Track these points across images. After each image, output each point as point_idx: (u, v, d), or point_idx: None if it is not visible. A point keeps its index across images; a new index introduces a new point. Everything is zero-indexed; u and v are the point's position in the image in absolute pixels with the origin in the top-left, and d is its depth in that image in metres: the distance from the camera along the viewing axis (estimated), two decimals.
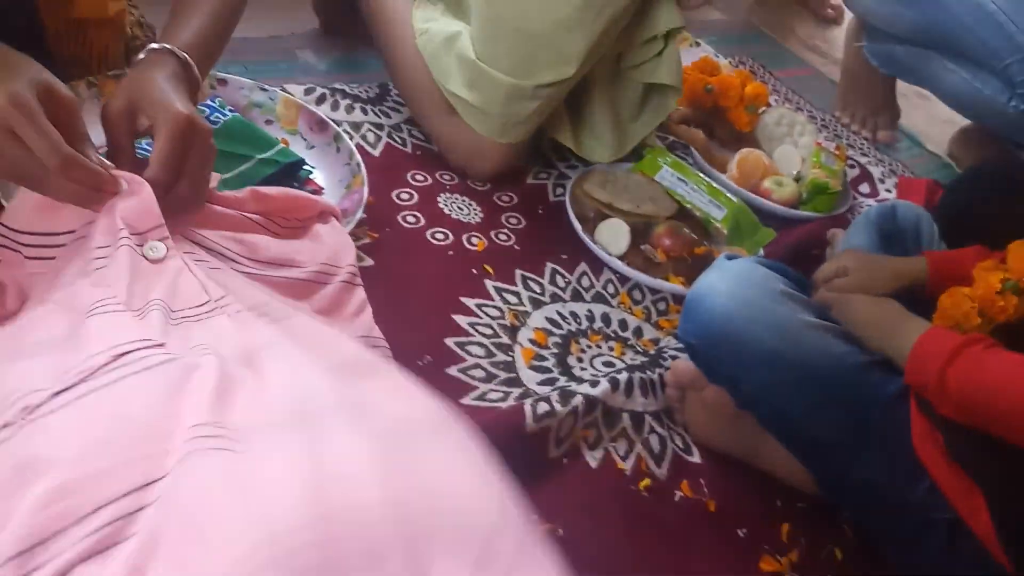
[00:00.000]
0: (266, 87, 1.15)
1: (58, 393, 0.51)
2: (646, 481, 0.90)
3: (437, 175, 1.21)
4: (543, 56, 1.14)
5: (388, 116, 1.29)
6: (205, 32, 0.83)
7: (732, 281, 0.85)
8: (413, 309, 0.99)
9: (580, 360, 0.99)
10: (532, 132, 1.21)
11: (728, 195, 1.24)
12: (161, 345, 0.56)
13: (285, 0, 1.45)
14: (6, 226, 0.73)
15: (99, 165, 0.69)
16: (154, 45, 0.78)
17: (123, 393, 0.51)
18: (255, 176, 1.02)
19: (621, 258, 1.12)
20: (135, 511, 0.47)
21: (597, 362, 1.00)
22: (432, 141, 1.24)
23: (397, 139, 1.25)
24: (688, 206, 1.21)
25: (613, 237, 1.13)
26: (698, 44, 1.77)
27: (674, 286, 1.10)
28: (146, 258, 0.67)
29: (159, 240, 0.68)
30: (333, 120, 1.15)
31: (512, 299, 1.04)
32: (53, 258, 0.70)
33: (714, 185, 1.25)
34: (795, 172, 1.42)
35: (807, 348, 0.84)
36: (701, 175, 1.27)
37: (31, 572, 0.45)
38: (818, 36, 2.16)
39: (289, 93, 1.20)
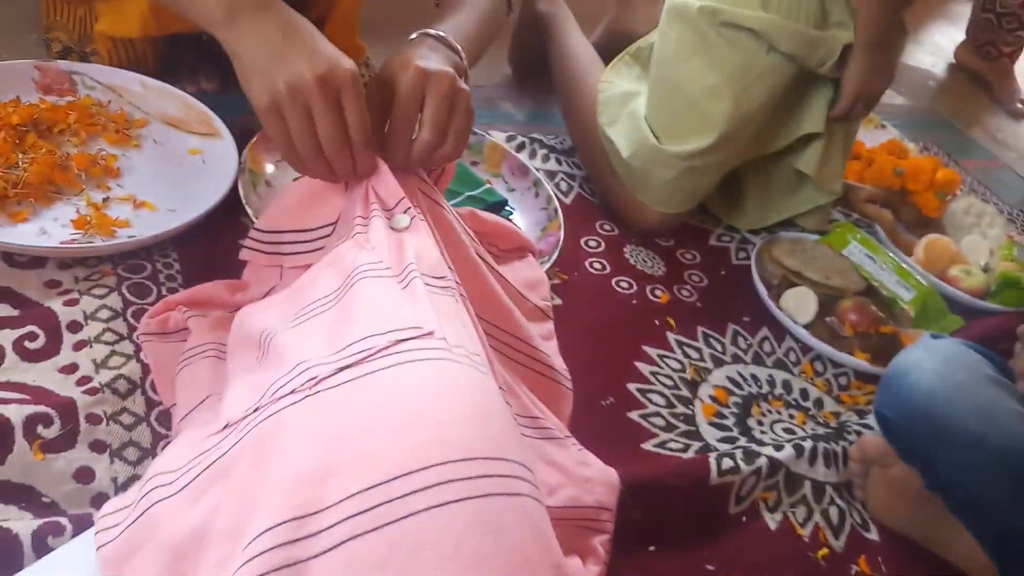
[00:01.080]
0: (476, 131, 1.22)
1: (342, 369, 0.55)
2: (824, 551, 0.88)
3: (623, 228, 1.24)
4: (690, 121, 1.17)
5: (579, 168, 1.33)
6: (470, 33, 0.88)
7: (939, 360, 0.84)
8: (598, 351, 1.02)
9: (760, 423, 0.99)
10: (682, 206, 1.23)
11: (917, 278, 1.21)
12: (431, 334, 0.59)
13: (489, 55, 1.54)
14: (261, 230, 0.81)
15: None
16: (428, 31, 0.82)
17: (402, 379, 0.55)
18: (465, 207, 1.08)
19: (806, 327, 1.11)
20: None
21: (778, 427, 0.99)
22: (606, 202, 1.28)
23: (587, 190, 1.30)
24: (876, 284, 1.19)
25: (800, 306, 1.13)
26: (883, 127, 1.76)
27: (859, 361, 1.09)
28: (394, 229, 0.72)
29: (403, 212, 0.73)
30: (531, 165, 1.21)
31: (693, 354, 1.06)
32: (314, 251, 0.77)
33: (902, 266, 1.23)
34: (983, 263, 1.38)
35: (1013, 435, 0.81)
36: (890, 254, 1.25)
37: (305, 539, 0.49)
38: (1006, 129, 2.10)
39: (493, 137, 1.26)
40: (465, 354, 0.60)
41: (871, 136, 1.70)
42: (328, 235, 0.79)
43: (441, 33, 0.83)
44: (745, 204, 1.31)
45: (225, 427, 0.57)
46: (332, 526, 0.49)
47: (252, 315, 0.69)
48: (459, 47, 0.83)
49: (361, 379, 0.54)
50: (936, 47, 2.54)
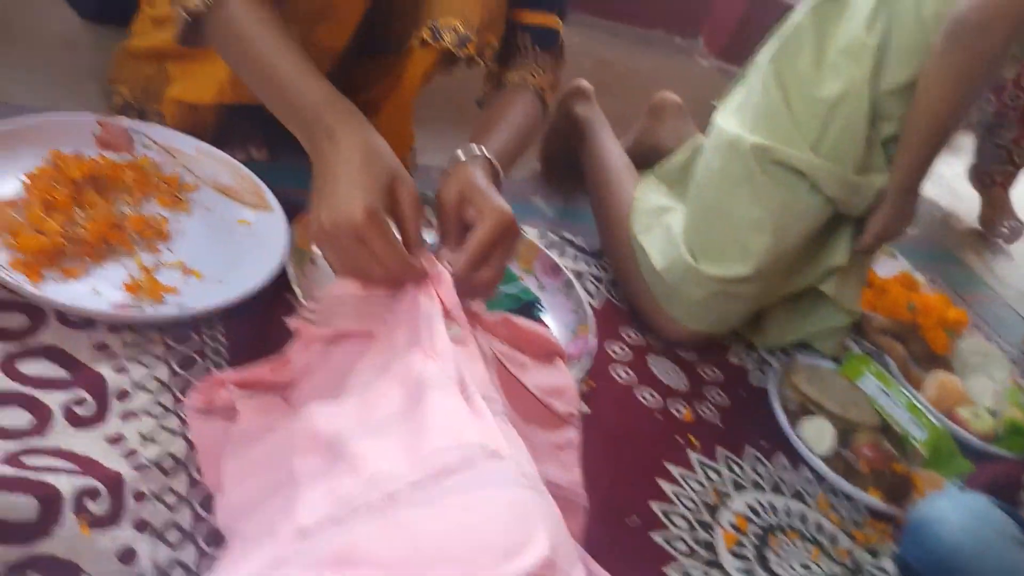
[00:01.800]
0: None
1: (415, 485, 0.56)
2: None
3: (647, 336, 1.26)
4: (730, 247, 1.20)
5: (607, 271, 1.36)
6: (508, 145, 0.95)
7: (967, 515, 0.86)
8: (623, 465, 1.02)
9: (778, 556, 1.00)
10: (710, 327, 1.25)
11: (929, 417, 1.24)
12: (498, 454, 0.60)
13: None
14: (316, 301, 0.82)
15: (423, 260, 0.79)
16: (473, 148, 0.89)
17: (473, 506, 0.56)
18: (497, 307, 1.10)
19: (823, 459, 1.13)
20: None
21: (795, 561, 1.00)
22: (635, 309, 1.30)
23: (614, 294, 1.32)
24: (889, 419, 1.21)
25: (818, 436, 1.15)
26: (894, 256, 1.80)
27: (873, 500, 1.10)
28: (452, 339, 0.74)
29: (455, 322, 0.76)
30: (562, 264, 1.23)
31: (715, 476, 1.06)
32: (367, 316, 0.79)
33: (915, 403, 1.25)
34: (990, 405, 1.41)
35: None
36: (903, 390, 1.27)
37: None
38: (1003, 265, 2.17)
39: (528, 234, 1.29)
40: (529, 479, 0.61)
41: (883, 265, 1.75)
42: (383, 302, 0.81)
43: (488, 156, 0.90)
44: (765, 323, 1.34)
45: (298, 532, 0.57)
46: None
47: (321, 416, 0.70)
48: (500, 170, 0.91)
49: (436, 503, 0.55)
50: (939, 178, 2.63)
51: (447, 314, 0.76)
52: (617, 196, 1.36)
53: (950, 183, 2.60)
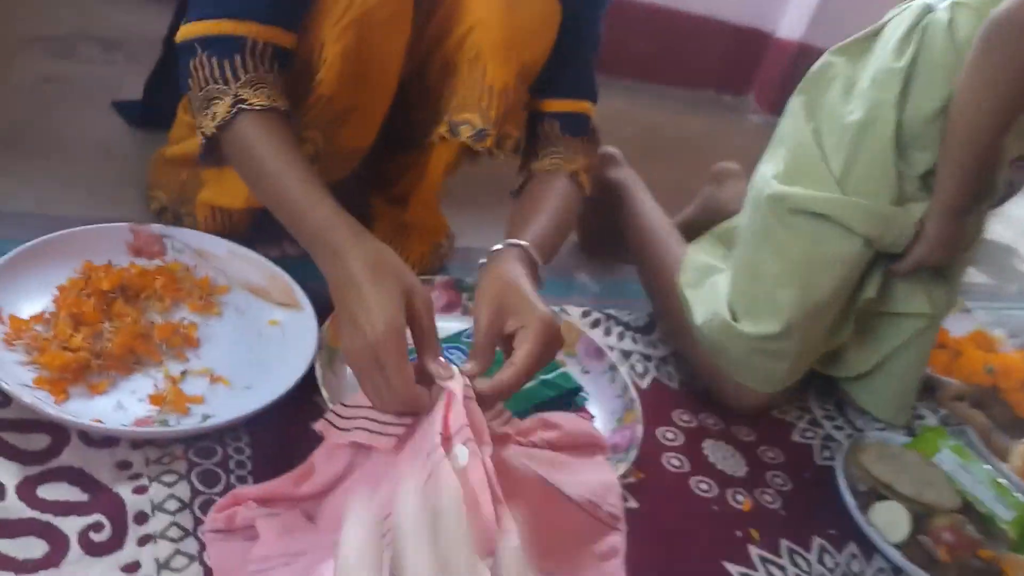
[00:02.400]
0: (553, 308, 1.20)
1: None
2: None
3: (701, 417, 1.20)
4: (761, 306, 1.15)
5: (656, 347, 1.30)
6: (547, 235, 0.92)
7: None
8: (677, 568, 0.95)
9: None
10: (762, 386, 1.19)
11: (1016, 494, 1.14)
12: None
13: None
14: (343, 404, 0.79)
15: (438, 374, 0.76)
16: (510, 241, 0.87)
17: None
18: (536, 397, 1.05)
19: (898, 548, 1.04)
20: None
21: None
22: (695, 375, 1.24)
23: (664, 372, 1.26)
24: (971, 499, 1.12)
25: (891, 522, 1.06)
26: (968, 310, 1.70)
27: None
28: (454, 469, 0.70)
29: (463, 443, 0.72)
30: (606, 346, 1.18)
31: (777, 573, 0.99)
32: (387, 436, 0.76)
33: (999, 480, 1.15)
34: None
35: None
36: (985, 466, 1.18)
37: None
38: None
39: (569, 315, 1.24)
40: None
41: (956, 322, 1.65)
42: (406, 424, 0.77)
43: (526, 246, 0.87)
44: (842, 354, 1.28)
45: None
46: None
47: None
48: (539, 260, 0.88)
49: None
50: (1016, 220, 2.50)
51: (447, 438, 0.73)
52: (663, 252, 1.33)
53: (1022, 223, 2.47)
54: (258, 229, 1.14)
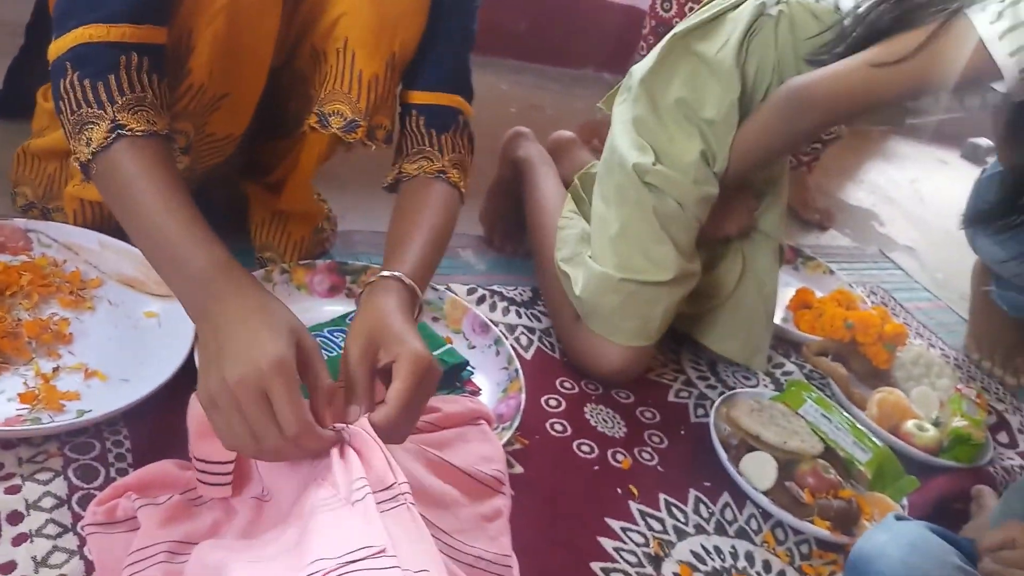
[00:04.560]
0: (436, 287, 1.22)
1: None
2: None
3: (583, 384, 1.24)
4: (638, 261, 1.23)
5: (539, 320, 1.34)
6: (426, 257, 0.89)
7: (906, 548, 0.84)
8: (560, 525, 1.00)
9: None
10: (652, 337, 1.25)
11: (872, 438, 1.23)
12: (383, 551, 0.58)
13: None
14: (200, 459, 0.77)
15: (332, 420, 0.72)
16: (384, 272, 0.84)
17: None
18: None
19: (766, 494, 1.11)
20: None
21: None
22: (566, 349, 1.29)
23: (547, 344, 1.30)
24: (832, 445, 1.20)
25: (759, 471, 1.13)
26: (831, 272, 1.81)
27: (819, 530, 1.08)
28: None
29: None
30: (491, 320, 1.21)
31: (656, 525, 1.04)
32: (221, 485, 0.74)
33: (858, 426, 1.24)
34: (934, 415, 1.40)
35: None
36: (845, 413, 1.26)
37: None
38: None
39: (455, 293, 1.27)
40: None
41: (819, 282, 1.75)
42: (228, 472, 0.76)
43: (401, 276, 0.84)
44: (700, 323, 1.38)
45: None
46: None
47: (211, 550, 0.67)
48: (415, 286, 0.84)
49: None
50: (873, 185, 2.66)
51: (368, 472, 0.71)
52: (547, 228, 1.37)
53: (883, 190, 2.64)
54: None
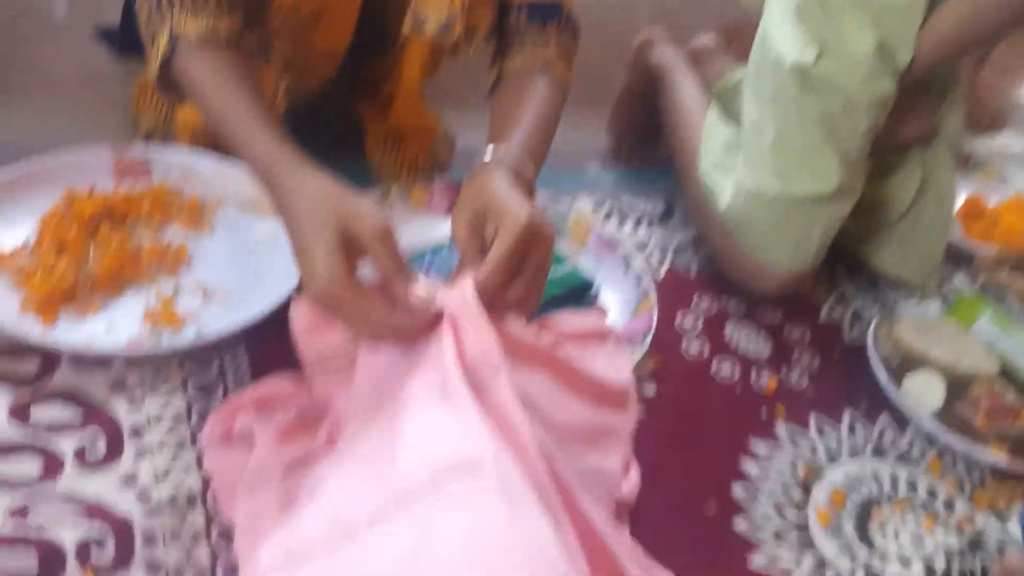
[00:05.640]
0: (560, 201, 1.16)
1: (373, 516, 0.50)
2: None
3: (723, 301, 1.15)
4: (804, 171, 1.09)
5: (673, 235, 1.25)
6: (530, 144, 0.84)
7: None
8: (697, 449, 0.92)
9: (883, 531, 0.88)
10: (809, 260, 1.13)
11: None
12: (476, 463, 0.54)
13: (577, 118, 1.47)
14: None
15: (417, 302, 0.70)
16: (488, 152, 0.81)
17: (430, 534, 0.50)
18: (546, 294, 1.01)
19: (933, 417, 0.99)
20: None
21: (903, 536, 0.87)
22: (715, 262, 1.19)
23: (682, 260, 1.21)
24: (1012, 366, 1.06)
25: (925, 392, 1.01)
26: (1005, 180, 1.61)
27: (995, 457, 0.96)
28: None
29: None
30: (620, 237, 1.14)
31: (805, 448, 0.95)
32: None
33: None
34: None
35: None
36: None
37: None
38: None
39: (580, 208, 1.20)
40: (508, 487, 0.53)
41: (992, 192, 1.57)
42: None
43: (503, 156, 0.81)
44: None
45: None
46: None
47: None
48: (523, 170, 0.81)
49: (391, 536, 0.49)
50: None
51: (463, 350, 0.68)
52: (690, 138, 1.25)
53: None
54: None
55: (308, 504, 0.58)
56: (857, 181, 1.12)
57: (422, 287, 0.71)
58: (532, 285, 0.74)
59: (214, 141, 1.07)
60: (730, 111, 1.24)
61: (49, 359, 0.81)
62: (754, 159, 1.12)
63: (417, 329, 0.69)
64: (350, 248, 0.67)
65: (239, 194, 1.03)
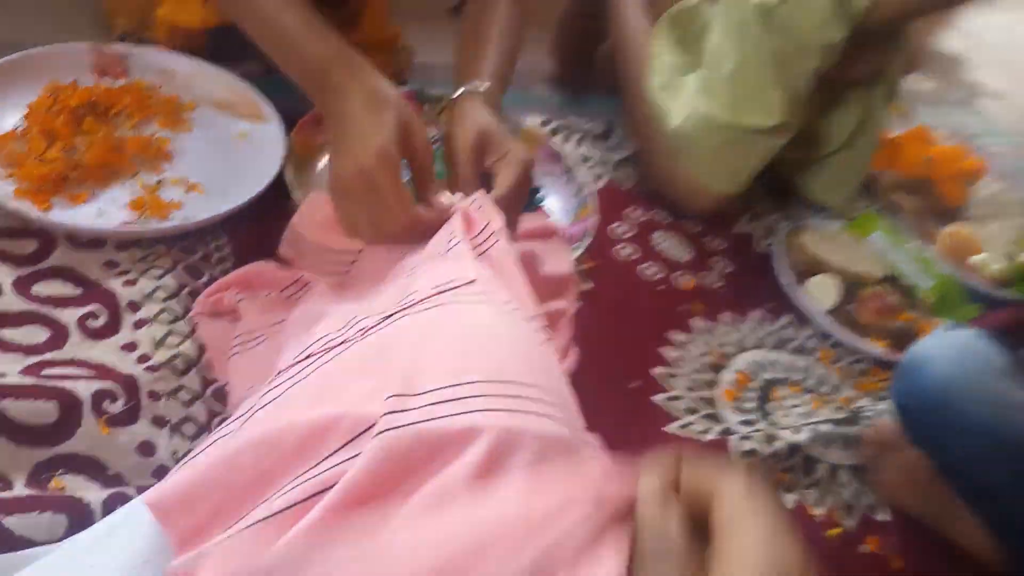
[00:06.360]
0: (512, 116, 1.25)
1: (388, 316, 0.59)
2: (836, 530, 0.93)
3: (653, 213, 1.28)
4: (752, 102, 1.18)
5: (613, 152, 1.36)
6: (500, 71, 0.93)
7: (955, 351, 0.87)
8: (625, 336, 1.06)
9: (780, 407, 1.03)
10: (741, 184, 1.25)
11: (937, 267, 1.24)
12: (473, 281, 0.62)
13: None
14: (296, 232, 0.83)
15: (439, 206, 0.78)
16: (468, 88, 0.89)
17: (440, 319, 0.57)
18: None
19: (828, 314, 1.15)
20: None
21: (795, 412, 1.03)
22: (651, 178, 1.31)
23: (619, 175, 1.33)
24: (897, 272, 1.22)
25: (822, 292, 1.16)
26: (906, 114, 1.76)
27: (877, 349, 1.12)
28: None
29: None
30: (565, 150, 1.24)
31: (717, 340, 1.09)
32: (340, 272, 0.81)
33: (924, 255, 1.25)
34: (1004, 253, 1.40)
35: (1019, 426, 0.85)
36: (912, 244, 1.28)
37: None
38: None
39: (529, 124, 1.29)
40: (506, 304, 0.62)
41: (896, 125, 1.71)
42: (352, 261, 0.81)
43: (485, 89, 0.89)
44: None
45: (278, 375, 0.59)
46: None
47: (310, 307, 0.74)
48: (493, 96, 0.89)
49: (403, 319, 0.57)
50: (969, 33, 2.53)
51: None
52: (637, 58, 1.32)
53: (977, 36, 2.50)
54: (219, 49, 1.16)
55: (314, 324, 0.66)
56: (798, 117, 1.21)
57: (444, 197, 0.80)
58: (519, 204, 0.85)
59: (190, 42, 1.13)
60: (686, 34, 1.31)
61: (45, 240, 0.89)
62: (711, 85, 1.20)
63: (432, 228, 0.75)
64: (403, 143, 0.75)
65: (214, 96, 1.10)
